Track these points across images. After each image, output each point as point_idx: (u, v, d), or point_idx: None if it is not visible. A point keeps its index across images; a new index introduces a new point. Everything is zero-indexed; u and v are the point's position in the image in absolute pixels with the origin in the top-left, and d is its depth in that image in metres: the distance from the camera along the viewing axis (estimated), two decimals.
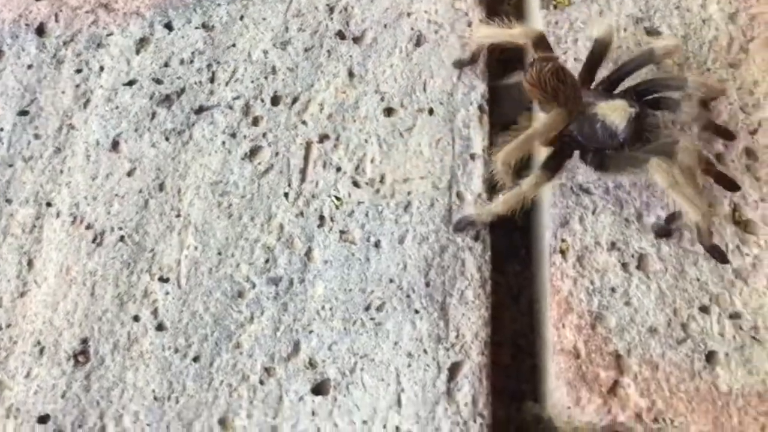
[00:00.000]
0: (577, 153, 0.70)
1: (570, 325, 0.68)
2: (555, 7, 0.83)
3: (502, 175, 0.67)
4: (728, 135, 0.72)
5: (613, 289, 0.69)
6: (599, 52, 0.72)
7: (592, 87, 0.72)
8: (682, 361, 0.65)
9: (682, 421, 0.63)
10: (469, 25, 0.82)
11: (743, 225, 0.71)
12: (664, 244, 0.70)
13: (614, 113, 0.66)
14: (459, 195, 0.73)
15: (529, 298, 0.77)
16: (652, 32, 0.80)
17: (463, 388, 0.65)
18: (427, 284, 0.69)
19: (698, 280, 0.68)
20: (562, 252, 0.71)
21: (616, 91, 0.71)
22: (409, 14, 0.83)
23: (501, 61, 0.90)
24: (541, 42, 0.71)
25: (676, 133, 0.70)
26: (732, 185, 0.69)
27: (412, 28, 0.83)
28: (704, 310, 0.67)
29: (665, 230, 0.70)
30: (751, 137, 0.74)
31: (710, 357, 0.65)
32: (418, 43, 0.82)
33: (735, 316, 0.67)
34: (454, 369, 0.65)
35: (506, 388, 0.74)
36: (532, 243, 0.78)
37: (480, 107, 0.77)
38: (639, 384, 0.65)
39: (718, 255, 0.67)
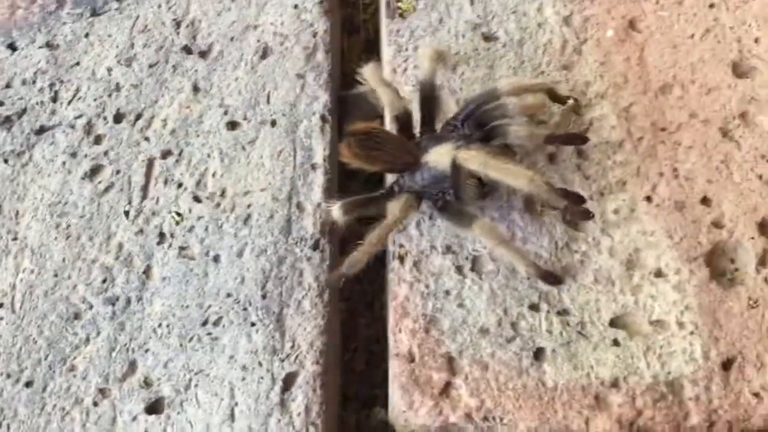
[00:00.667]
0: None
1: (405, 330, 0.69)
2: (401, 15, 0.84)
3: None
4: (577, 139, 0.73)
5: (447, 292, 0.70)
6: (427, 92, 0.72)
7: (437, 128, 0.72)
8: (511, 360, 0.67)
9: (511, 419, 0.65)
10: (315, 35, 0.83)
11: (573, 223, 0.72)
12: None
13: (441, 158, 0.66)
14: (299, 206, 0.73)
15: (381, 304, 0.78)
16: (489, 38, 0.81)
17: (297, 398, 0.65)
18: (264, 296, 0.69)
19: (528, 278, 0.70)
20: (401, 257, 0.72)
21: (465, 129, 0.71)
22: (255, 27, 0.84)
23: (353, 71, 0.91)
24: (403, 114, 0.71)
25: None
26: (577, 199, 0.68)
27: (258, 41, 0.83)
28: (534, 308, 0.69)
29: None
30: None
31: (538, 354, 0.67)
32: (263, 56, 0.82)
33: (563, 312, 0.69)
34: (288, 380, 0.66)
35: (360, 394, 0.75)
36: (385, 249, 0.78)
37: (322, 117, 0.78)
38: (469, 384, 0.66)
39: (553, 279, 0.69)
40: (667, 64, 0.79)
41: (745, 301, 0.68)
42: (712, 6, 0.82)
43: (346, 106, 0.84)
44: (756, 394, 0.65)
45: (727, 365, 0.66)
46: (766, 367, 0.65)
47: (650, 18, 0.81)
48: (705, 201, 0.72)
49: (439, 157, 0.67)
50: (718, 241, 0.71)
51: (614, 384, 0.65)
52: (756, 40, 0.80)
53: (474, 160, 0.63)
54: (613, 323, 0.68)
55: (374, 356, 0.76)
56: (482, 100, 0.70)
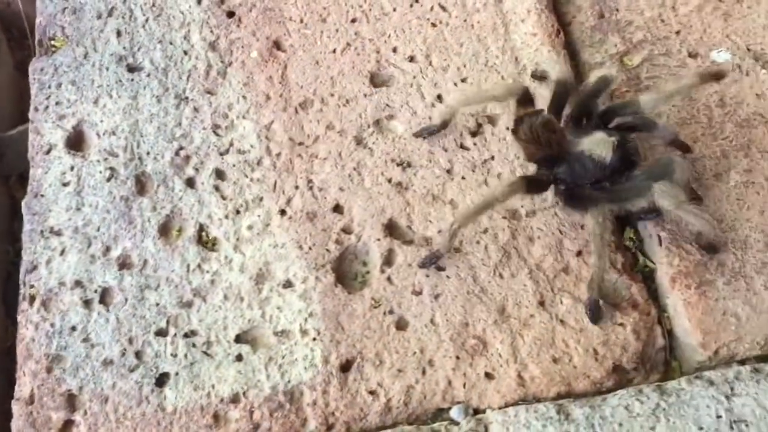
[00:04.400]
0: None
1: (28, 372, 0.67)
2: (54, 53, 0.83)
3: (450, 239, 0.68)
4: (686, 148, 0.75)
5: (73, 328, 0.68)
6: (562, 92, 0.72)
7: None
8: (132, 389, 0.66)
9: None
10: None
11: (210, 244, 0.72)
12: (127, 275, 0.70)
13: (599, 146, 0.67)
14: None
15: None
16: (134, 68, 0.81)
17: None
18: None
19: (158, 304, 0.69)
20: (31, 298, 0.70)
21: (584, 125, 0.72)
22: None
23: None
24: (525, 97, 0.71)
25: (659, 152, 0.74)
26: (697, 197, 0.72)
27: None
28: (161, 333, 0.68)
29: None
30: (221, 158, 0.76)
31: (161, 379, 0.66)
32: None
33: (190, 334, 0.68)
34: None
35: None
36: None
37: None
38: (88, 420, 0.64)
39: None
40: (309, 79, 0.81)
41: (368, 302, 0.69)
42: (354, 21, 0.84)
43: (1, 148, 0.82)
44: (372, 392, 0.66)
45: (346, 367, 0.67)
46: (385, 364, 0.67)
47: (294, 36, 0.83)
48: (337, 208, 0.74)
49: (594, 145, 0.67)
50: (347, 246, 0.72)
51: (234, 399, 0.65)
52: (394, 50, 0.82)
53: (688, 170, 0.67)
54: (239, 339, 0.68)
55: None
56: (596, 92, 0.71)
